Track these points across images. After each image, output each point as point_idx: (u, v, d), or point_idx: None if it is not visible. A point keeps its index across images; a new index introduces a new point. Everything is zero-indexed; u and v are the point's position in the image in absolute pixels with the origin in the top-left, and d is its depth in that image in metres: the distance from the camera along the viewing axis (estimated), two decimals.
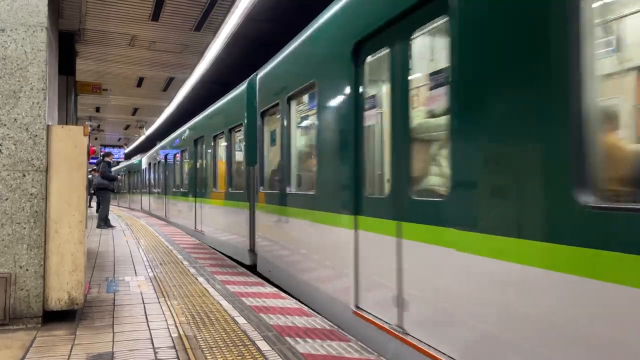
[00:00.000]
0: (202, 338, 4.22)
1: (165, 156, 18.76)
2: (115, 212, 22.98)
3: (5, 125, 4.55)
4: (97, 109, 23.65)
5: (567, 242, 2.38)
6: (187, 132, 14.79)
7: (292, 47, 6.52)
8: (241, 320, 4.78)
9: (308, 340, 4.17)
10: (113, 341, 4.14)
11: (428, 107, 3.97)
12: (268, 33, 11.32)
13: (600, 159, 2.36)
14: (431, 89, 3.97)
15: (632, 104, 2.79)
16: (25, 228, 4.56)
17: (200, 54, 13.48)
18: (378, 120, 4.57)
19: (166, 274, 7.25)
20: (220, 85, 14.87)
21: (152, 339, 4.19)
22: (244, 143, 8.50)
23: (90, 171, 16.33)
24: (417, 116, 3.98)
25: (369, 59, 4.45)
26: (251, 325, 4.60)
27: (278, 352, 3.87)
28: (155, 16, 10.86)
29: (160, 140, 22.14)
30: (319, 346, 4.01)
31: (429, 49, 4.01)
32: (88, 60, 14.33)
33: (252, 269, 7.95)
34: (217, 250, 10.10)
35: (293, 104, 6.50)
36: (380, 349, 3.99)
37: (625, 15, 2.84)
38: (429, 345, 3.45)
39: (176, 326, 4.57)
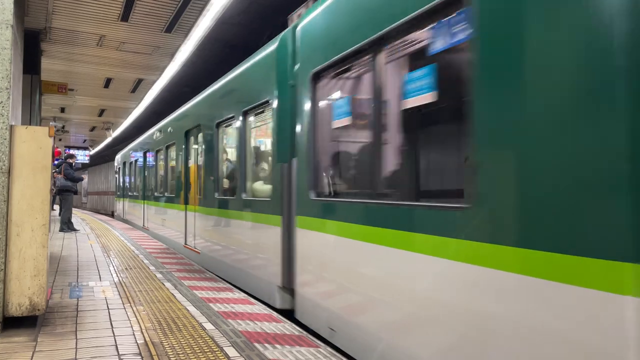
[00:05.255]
0: (168, 344, 4.15)
1: (145, 153, 15.62)
2: (79, 216, 22.46)
3: None
4: (62, 110, 23.12)
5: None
6: (175, 122, 11.53)
7: None
8: (209, 326, 4.73)
9: (277, 346, 4.15)
10: (76, 348, 4.03)
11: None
12: (239, 37, 11.29)
13: None
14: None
15: None
16: None
17: (171, 56, 13.35)
18: None
19: (132, 279, 7.11)
20: (190, 88, 14.74)
21: (117, 346, 4.10)
22: (272, 130, 5.96)
23: (52, 173, 15.92)
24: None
25: None
26: (219, 332, 4.55)
27: (246, 358, 3.84)
28: (124, 17, 10.71)
29: (132, 139, 20.94)
30: (288, 352, 4.00)
31: None
32: (54, 59, 14.02)
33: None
34: (229, 283, 7.19)
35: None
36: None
37: None
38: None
39: (142, 332, 4.49)
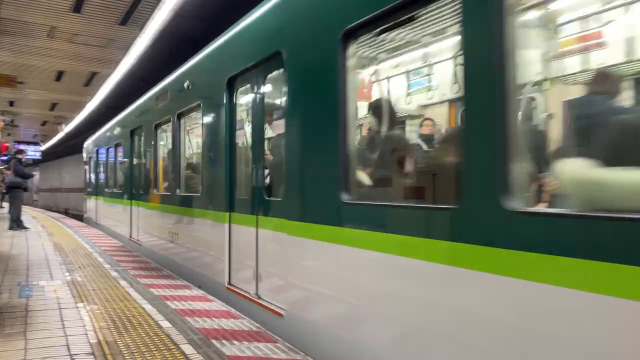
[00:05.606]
0: (123, 343, 4.06)
1: (132, 133, 11.40)
2: (30, 213, 21.70)
3: None
4: (11, 103, 22.26)
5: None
6: (202, 70, 7.23)
7: None
8: (165, 324, 4.66)
9: (235, 342, 4.13)
10: (25, 349, 3.90)
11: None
12: (196, 30, 11.12)
13: None
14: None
15: None
16: None
17: (126, 49, 13.05)
18: None
19: (85, 277, 6.92)
20: (146, 82, 14.46)
21: (68, 346, 3.99)
22: None
23: (1, 169, 15.28)
24: None
25: None
26: (176, 329, 4.48)
27: (203, 355, 3.81)
28: (77, 8, 10.40)
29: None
30: (246, 348, 3.99)
31: None
32: (2, 50, 13.50)
33: None
34: None
35: None
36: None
37: None
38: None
39: (95, 332, 4.38)
